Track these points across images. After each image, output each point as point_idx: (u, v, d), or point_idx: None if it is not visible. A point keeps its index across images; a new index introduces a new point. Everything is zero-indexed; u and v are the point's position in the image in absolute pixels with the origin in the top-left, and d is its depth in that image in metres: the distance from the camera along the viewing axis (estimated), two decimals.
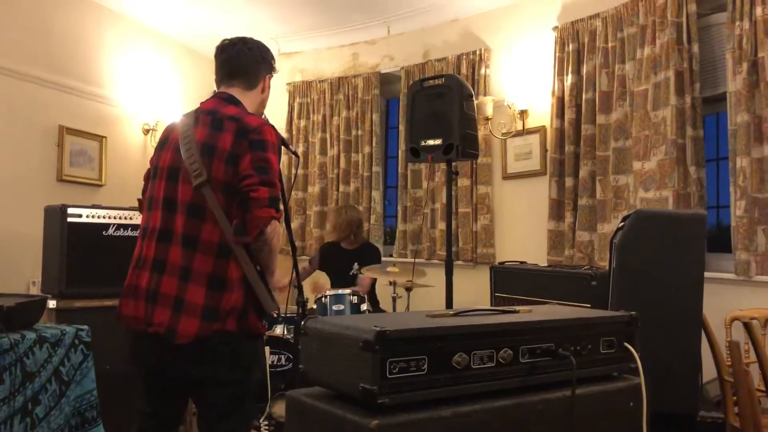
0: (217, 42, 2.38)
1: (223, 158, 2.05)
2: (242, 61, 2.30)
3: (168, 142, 2.22)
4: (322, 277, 5.09)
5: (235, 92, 2.27)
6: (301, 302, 2.41)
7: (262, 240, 2.01)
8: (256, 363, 2.32)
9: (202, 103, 2.26)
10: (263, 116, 2.39)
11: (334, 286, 4.71)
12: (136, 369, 2.21)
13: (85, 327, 2.96)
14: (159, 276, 2.05)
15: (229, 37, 2.38)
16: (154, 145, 5.42)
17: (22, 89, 4.47)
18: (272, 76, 2.42)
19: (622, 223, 2.70)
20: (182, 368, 2.05)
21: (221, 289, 2.02)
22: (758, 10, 3.47)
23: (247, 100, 2.27)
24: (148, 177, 2.30)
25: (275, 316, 2.33)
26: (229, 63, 2.31)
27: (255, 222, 1.99)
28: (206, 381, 2.06)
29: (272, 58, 2.41)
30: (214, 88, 2.37)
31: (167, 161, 2.17)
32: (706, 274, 2.76)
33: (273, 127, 2.18)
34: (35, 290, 4.26)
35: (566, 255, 4.47)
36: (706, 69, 3.96)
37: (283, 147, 2.32)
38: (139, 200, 2.34)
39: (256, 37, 2.41)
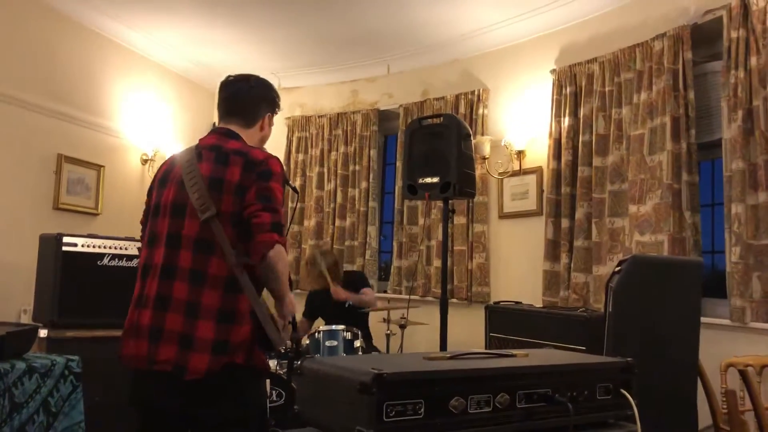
0: (218, 75, 2.40)
1: (231, 191, 2.05)
2: (241, 100, 2.31)
3: (169, 178, 2.19)
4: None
5: (234, 128, 2.27)
6: (295, 338, 2.39)
7: (265, 265, 1.99)
8: (262, 403, 2.27)
9: (201, 140, 2.26)
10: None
11: (328, 323, 4.65)
12: (136, 409, 2.13)
13: (76, 357, 2.93)
14: (162, 313, 2.01)
15: (230, 71, 2.40)
16: (152, 175, 5.48)
17: (23, 116, 4.50)
18: (275, 113, 2.42)
19: (619, 267, 2.71)
20: (188, 406, 2.00)
21: (231, 322, 2.00)
22: (753, 60, 3.54)
23: (246, 137, 2.27)
24: (147, 219, 2.26)
25: (283, 351, 2.29)
26: (229, 100, 2.32)
27: (258, 247, 1.98)
28: (211, 419, 2.01)
29: (276, 96, 2.42)
30: (215, 120, 2.38)
31: (170, 197, 2.14)
32: (701, 320, 2.77)
33: (277, 158, 2.19)
34: (26, 318, 4.22)
35: (561, 296, 4.46)
36: (701, 115, 4.02)
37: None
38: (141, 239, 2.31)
39: (255, 71, 2.43)
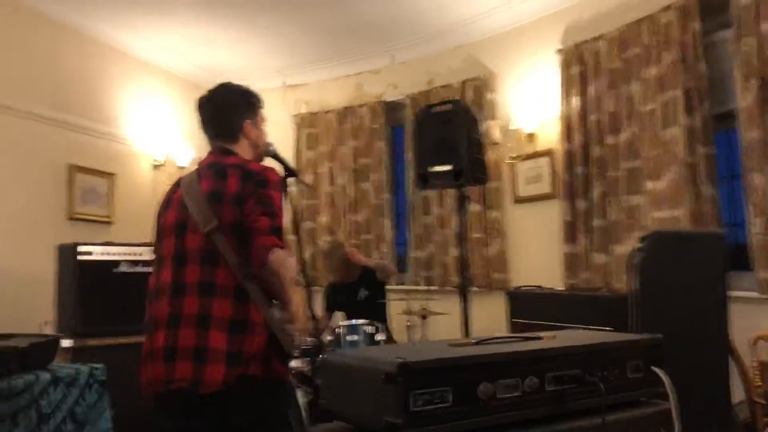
0: (223, 76, 2.40)
1: (230, 201, 2.04)
2: (214, 120, 2.28)
3: (172, 200, 2.20)
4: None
5: (226, 145, 2.26)
6: (317, 334, 2.37)
7: (268, 270, 1.97)
8: (284, 413, 2.25)
9: (200, 161, 2.27)
10: (270, 147, 2.38)
11: (348, 318, 4.64)
12: None
13: (100, 365, 2.94)
14: (175, 331, 1.98)
15: (234, 71, 2.38)
16: (164, 181, 5.50)
17: (33, 129, 4.51)
18: (257, 114, 2.35)
19: (640, 244, 2.66)
20: (208, 421, 1.96)
21: (243, 333, 1.97)
22: (764, 26, 3.47)
23: (238, 151, 2.26)
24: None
25: (294, 356, 2.27)
26: (206, 123, 2.30)
27: (258, 251, 1.97)
28: None
29: (249, 96, 2.34)
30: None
31: (173, 218, 2.14)
32: (729, 294, 2.72)
33: (274, 169, 2.18)
34: (48, 330, 4.23)
35: (582, 278, 4.42)
36: (714, 86, 3.95)
37: (294, 178, 2.31)
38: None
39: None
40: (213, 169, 2.14)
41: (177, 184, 2.24)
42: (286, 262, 2.00)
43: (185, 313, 1.99)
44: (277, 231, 2.02)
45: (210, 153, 2.28)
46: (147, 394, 2.05)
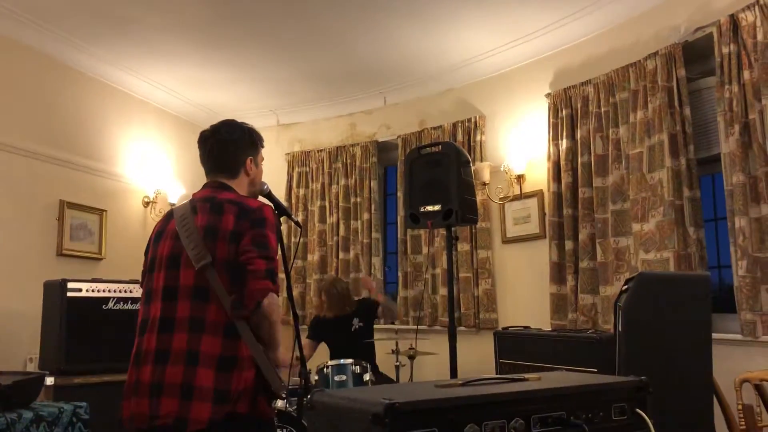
0: (217, 115, 2.43)
1: (226, 238, 2.05)
2: (218, 154, 2.31)
3: (165, 232, 2.19)
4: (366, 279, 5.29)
5: (223, 181, 2.29)
6: (304, 374, 2.37)
7: (260, 313, 1.98)
8: None
9: (195, 194, 2.27)
10: (264, 186, 2.41)
11: (335, 356, 4.62)
12: None
13: (84, 404, 2.91)
14: (162, 366, 1.97)
15: (228, 110, 2.41)
16: (154, 217, 5.51)
17: (24, 165, 4.53)
18: (259, 152, 2.39)
19: (626, 286, 2.69)
20: None
21: (231, 369, 1.96)
22: (746, 74, 3.56)
23: (236, 186, 2.29)
24: (144, 277, 2.24)
25: (283, 397, 2.26)
26: (208, 157, 2.32)
27: (252, 294, 1.97)
28: None
29: (253, 135, 2.39)
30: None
31: (166, 250, 2.14)
32: (713, 335, 2.73)
33: (271, 207, 2.21)
34: (32, 366, 4.19)
35: (570, 318, 4.43)
36: (699, 131, 4.04)
37: (284, 216, 2.34)
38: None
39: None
40: (209, 203, 2.15)
41: (170, 215, 2.25)
42: (278, 306, 2.02)
43: (174, 349, 1.98)
44: (272, 274, 2.03)
45: (206, 186, 2.29)
46: (130, 429, 2.03)
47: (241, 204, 2.13)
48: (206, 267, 2.02)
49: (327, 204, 6.07)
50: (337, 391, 1.57)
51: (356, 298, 5.04)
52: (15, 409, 2.61)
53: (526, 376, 1.66)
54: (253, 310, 1.98)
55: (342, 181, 5.99)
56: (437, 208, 3.68)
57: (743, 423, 2.77)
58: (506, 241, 5.09)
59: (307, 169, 6.25)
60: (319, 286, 5.24)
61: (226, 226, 2.07)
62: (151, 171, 5.66)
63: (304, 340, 4.91)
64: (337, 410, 1.36)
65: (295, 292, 6.02)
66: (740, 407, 2.89)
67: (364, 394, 1.40)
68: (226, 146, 2.31)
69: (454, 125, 5.40)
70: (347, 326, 4.71)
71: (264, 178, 2.45)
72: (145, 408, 1.96)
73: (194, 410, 1.91)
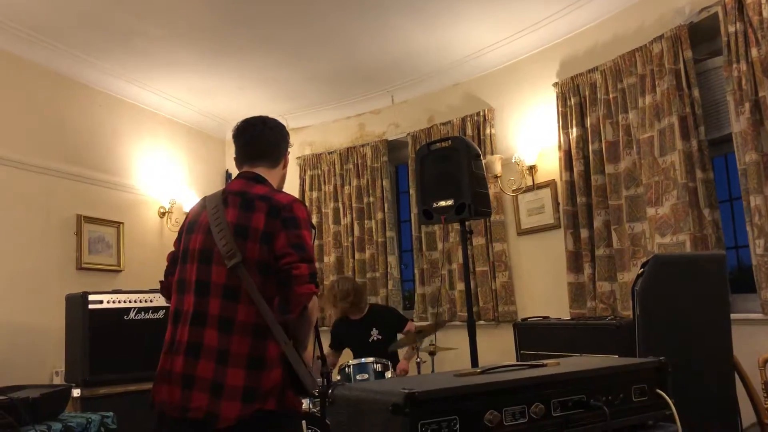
0: (227, 123, 2.45)
1: (257, 238, 2.06)
2: (264, 142, 2.34)
3: (197, 224, 2.21)
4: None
5: (260, 171, 2.30)
6: (326, 373, 2.39)
7: (304, 316, 2.02)
8: None
9: (229, 184, 2.29)
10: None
11: (356, 357, 4.64)
12: None
13: (111, 414, 2.95)
14: (194, 360, 2.01)
15: (238, 117, 2.44)
16: (170, 227, 5.55)
17: (40, 182, 4.59)
18: (289, 151, 2.47)
19: (642, 270, 2.68)
20: None
21: (260, 369, 1.99)
22: (753, 52, 3.53)
23: (271, 177, 2.31)
24: (173, 259, 2.28)
25: (315, 394, 2.30)
26: (252, 144, 2.34)
27: (299, 299, 1.99)
28: None
29: (288, 133, 2.47)
30: (227, 167, 2.41)
31: (198, 244, 2.16)
32: (733, 316, 2.72)
33: (302, 202, 2.22)
34: (58, 380, 4.25)
35: (588, 307, 4.42)
36: (708, 112, 4.01)
37: None
38: (161, 282, 2.33)
39: (264, 115, 2.47)
40: (240, 197, 2.16)
41: (203, 204, 2.26)
42: (317, 306, 2.05)
43: (206, 344, 2.02)
44: (315, 277, 2.05)
45: (239, 177, 2.30)
46: (160, 413, 2.08)
47: (272, 200, 2.13)
48: (237, 266, 2.04)
49: (340, 205, 6.10)
50: (356, 384, 1.59)
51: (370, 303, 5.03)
52: (44, 421, 2.65)
53: (545, 362, 1.67)
54: (299, 314, 2.00)
55: (354, 182, 6.01)
56: (450, 203, 3.68)
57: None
58: (521, 232, 5.08)
59: (319, 171, 6.28)
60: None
61: (256, 225, 2.08)
62: (165, 181, 5.72)
63: (327, 349, 4.94)
64: (357, 402, 1.38)
65: None
66: (764, 386, 2.87)
67: (383, 385, 1.41)
68: (274, 134, 2.37)
69: (463, 120, 5.40)
70: (365, 336, 4.72)
71: None
72: (177, 398, 2.01)
73: (224, 408, 1.95)
